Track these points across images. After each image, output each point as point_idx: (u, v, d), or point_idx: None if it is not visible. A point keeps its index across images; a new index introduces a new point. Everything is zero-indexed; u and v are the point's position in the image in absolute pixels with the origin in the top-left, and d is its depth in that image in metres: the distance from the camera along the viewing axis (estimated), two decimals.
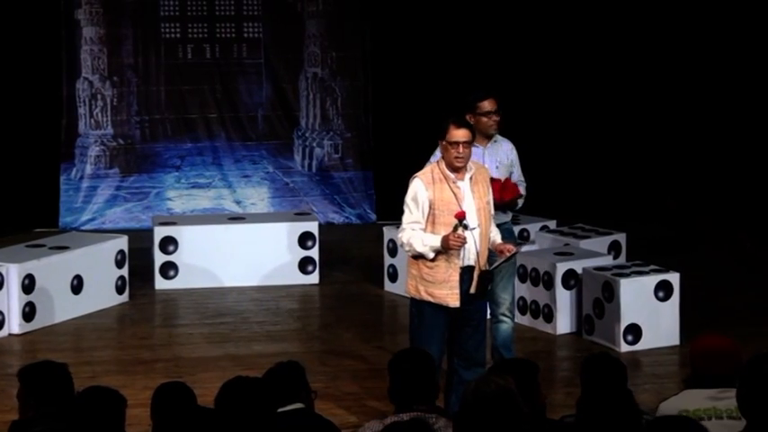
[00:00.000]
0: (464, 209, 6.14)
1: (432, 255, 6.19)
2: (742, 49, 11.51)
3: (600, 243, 9.36)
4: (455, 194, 6.19)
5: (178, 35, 11.75)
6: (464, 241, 6.12)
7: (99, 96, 11.63)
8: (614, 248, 9.46)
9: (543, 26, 11.71)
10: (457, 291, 6.21)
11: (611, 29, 11.73)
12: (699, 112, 11.72)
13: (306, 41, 11.94)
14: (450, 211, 6.14)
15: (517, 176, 7.34)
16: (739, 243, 10.65)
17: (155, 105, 11.78)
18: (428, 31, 11.68)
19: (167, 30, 11.74)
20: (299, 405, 4.84)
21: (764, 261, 10.19)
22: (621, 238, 9.56)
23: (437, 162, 6.34)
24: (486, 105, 7.14)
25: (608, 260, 8.81)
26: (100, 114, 11.65)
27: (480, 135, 7.10)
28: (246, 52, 11.88)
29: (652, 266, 8.35)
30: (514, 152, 7.34)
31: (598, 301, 8.22)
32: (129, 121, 11.73)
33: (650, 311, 8.10)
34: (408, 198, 6.25)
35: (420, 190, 6.21)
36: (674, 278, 8.18)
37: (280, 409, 4.61)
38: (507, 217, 7.32)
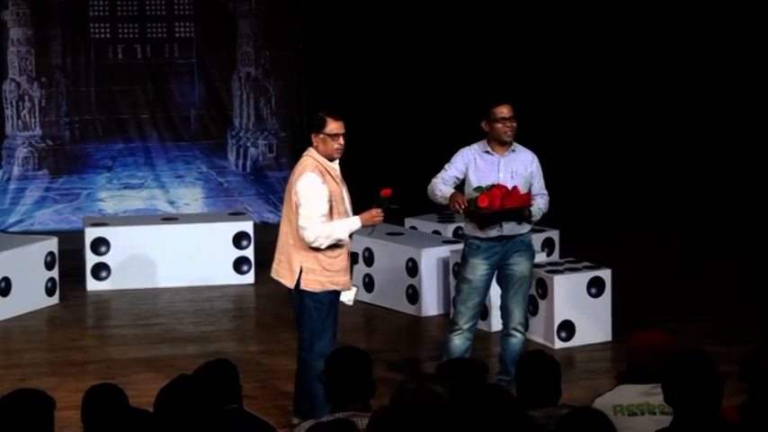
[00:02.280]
0: (343, 195, 6.37)
1: (347, 240, 6.38)
2: (673, 54, 11.64)
3: (533, 240, 9.38)
4: (337, 183, 6.39)
5: (108, 35, 11.62)
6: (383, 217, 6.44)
7: (27, 97, 11.46)
8: (548, 245, 9.53)
9: (478, 22, 11.76)
10: (350, 275, 6.50)
11: (546, 29, 11.81)
12: (631, 111, 11.84)
13: (239, 41, 11.88)
14: (341, 200, 6.34)
15: (537, 189, 6.92)
16: (668, 239, 10.78)
17: (84, 106, 11.63)
18: (361, 30, 11.68)
19: (97, 30, 11.60)
20: (233, 405, 4.81)
21: (693, 257, 10.32)
22: (555, 234, 9.62)
23: (313, 157, 6.34)
24: (503, 111, 6.76)
25: (541, 257, 8.86)
26: (27, 115, 11.48)
27: (495, 142, 6.80)
28: (178, 52, 11.78)
29: (585, 263, 8.42)
30: (536, 163, 6.91)
31: (532, 298, 8.25)
32: (59, 122, 11.57)
33: (583, 308, 8.16)
34: (312, 194, 6.24)
35: (319, 184, 6.28)
36: (605, 274, 8.25)
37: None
38: (524, 229, 6.94)
